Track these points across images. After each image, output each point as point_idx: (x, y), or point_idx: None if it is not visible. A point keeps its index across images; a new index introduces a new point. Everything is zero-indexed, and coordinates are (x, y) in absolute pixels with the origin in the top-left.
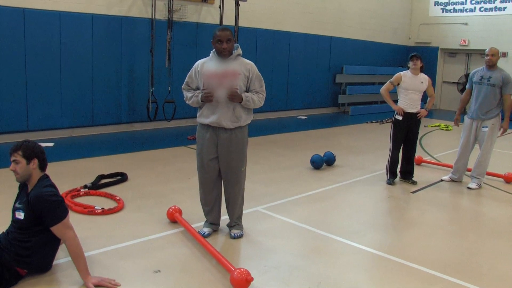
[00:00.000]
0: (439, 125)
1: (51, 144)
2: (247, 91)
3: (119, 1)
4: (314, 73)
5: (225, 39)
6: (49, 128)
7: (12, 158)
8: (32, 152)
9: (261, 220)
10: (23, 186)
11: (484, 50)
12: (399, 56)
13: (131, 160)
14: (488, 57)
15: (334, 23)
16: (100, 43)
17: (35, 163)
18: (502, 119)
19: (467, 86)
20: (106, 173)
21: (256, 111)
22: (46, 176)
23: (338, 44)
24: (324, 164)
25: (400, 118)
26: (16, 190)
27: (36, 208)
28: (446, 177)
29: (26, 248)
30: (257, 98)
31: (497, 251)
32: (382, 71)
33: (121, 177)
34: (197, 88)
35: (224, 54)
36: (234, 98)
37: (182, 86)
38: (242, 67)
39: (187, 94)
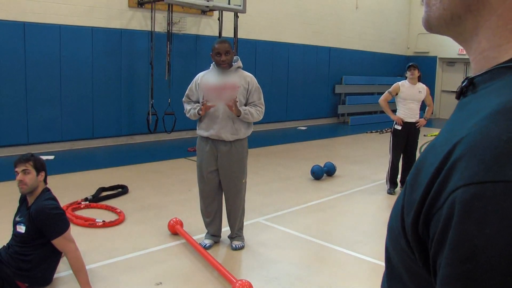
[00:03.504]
0: None
1: (51, 157)
2: (246, 104)
3: (119, 14)
4: (313, 83)
5: (223, 52)
6: (49, 141)
7: (22, 168)
8: (41, 164)
9: (262, 231)
10: (23, 200)
11: None
12: (398, 65)
13: (132, 173)
14: None
15: (333, 34)
16: (100, 56)
17: (42, 175)
18: None
19: None
20: (106, 185)
21: (256, 122)
22: (48, 189)
23: (337, 55)
24: (325, 174)
25: (399, 127)
26: (16, 204)
27: (37, 221)
28: None
29: (27, 262)
30: (255, 112)
31: None
32: (381, 81)
33: (121, 190)
34: (197, 101)
35: (223, 66)
36: (232, 108)
37: (183, 98)
38: (242, 79)
39: (187, 107)
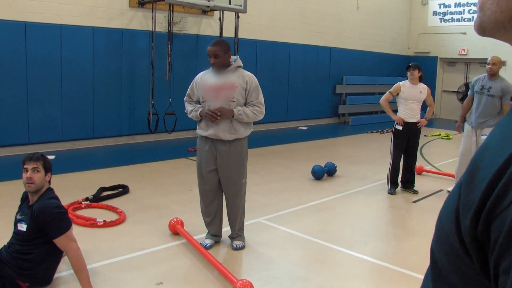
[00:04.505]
0: (440, 134)
1: (52, 157)
2: (245, 103)
3: (120, 14)
4: (314, 83)
5: (212, 55)
6: (50, 140)
7: (33, 166)
8: (50, 165)
9: (263, 231)
10: (24, 198)
11: (483, 59)
12: (399, 65)
13: (132, 172)
14: (489, 66)
15: (334, 34)
16: (100, 55)
17: (49, 176)
18: None
19: (468, 93)
20: (107, 185)
21: (256, 122)
22: (51, 189)
23: (338, 55)
24: (325, 174)
25: (400, 128)
26: (17, 203)
27: (39, 219)
28: (451, 188)
29: (28, 261)
30: (252, 112)
31: None
32: (382, 81)
33: (122, 189)
34: (198, 100)
35: (214, 68)
36: (223, 115)
37: (184, 98)
38: (240, 79)
39: (188, 108)
